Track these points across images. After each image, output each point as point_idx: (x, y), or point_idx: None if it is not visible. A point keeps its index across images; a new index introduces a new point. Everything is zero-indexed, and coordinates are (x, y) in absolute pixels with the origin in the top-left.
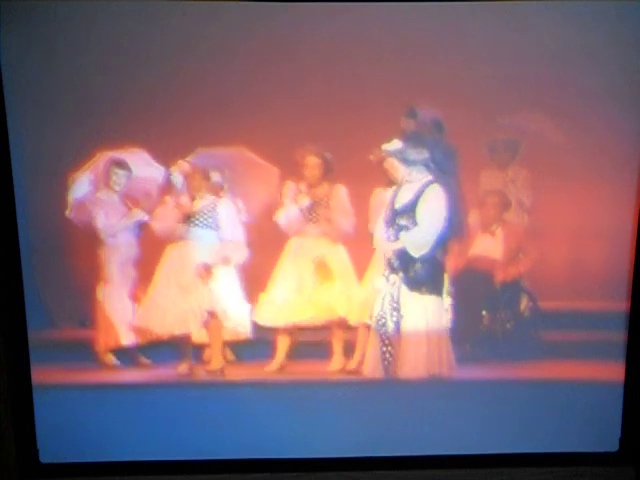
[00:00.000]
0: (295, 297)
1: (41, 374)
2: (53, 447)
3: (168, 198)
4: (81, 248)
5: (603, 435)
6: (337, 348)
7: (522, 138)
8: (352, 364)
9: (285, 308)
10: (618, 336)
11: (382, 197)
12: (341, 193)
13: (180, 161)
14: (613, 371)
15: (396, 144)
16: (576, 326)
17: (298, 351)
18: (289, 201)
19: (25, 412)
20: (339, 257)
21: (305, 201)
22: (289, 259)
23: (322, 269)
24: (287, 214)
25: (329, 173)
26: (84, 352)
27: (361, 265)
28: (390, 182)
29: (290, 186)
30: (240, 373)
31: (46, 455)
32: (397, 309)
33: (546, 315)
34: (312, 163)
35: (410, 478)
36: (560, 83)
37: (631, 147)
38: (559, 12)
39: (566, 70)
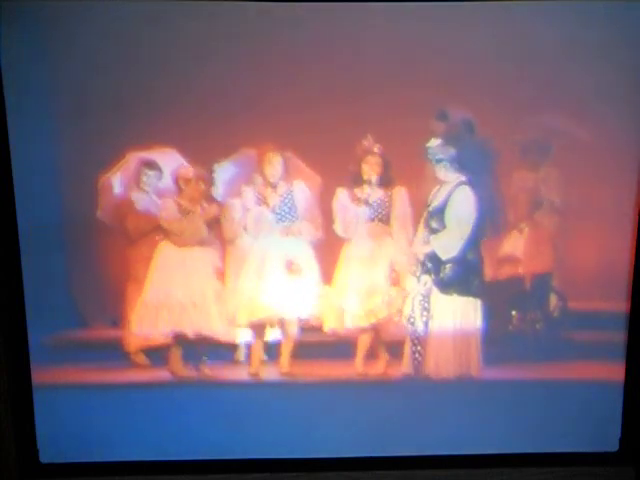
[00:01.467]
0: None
1: (44, 374)
2: (53, 447)
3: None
4: (112, 248)
5: (603, 435)
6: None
7: (553, 138)
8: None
9: (273, 308)
10: (618, 336)
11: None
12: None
13: (184, 165)
14: (613, 371)
15: (434, 143)
16: (576, 326)
17: (301, 351)
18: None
19: (25, 412)
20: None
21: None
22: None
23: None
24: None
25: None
26: (113, 352)
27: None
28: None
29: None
30: (241, 373)
31: (46, 455)
32: (427, 309)
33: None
34: (272, 160)
35: (410, 478)
36: (588, 83)
37: (631, 148)
38: (588, 13)
39: (594, 70)
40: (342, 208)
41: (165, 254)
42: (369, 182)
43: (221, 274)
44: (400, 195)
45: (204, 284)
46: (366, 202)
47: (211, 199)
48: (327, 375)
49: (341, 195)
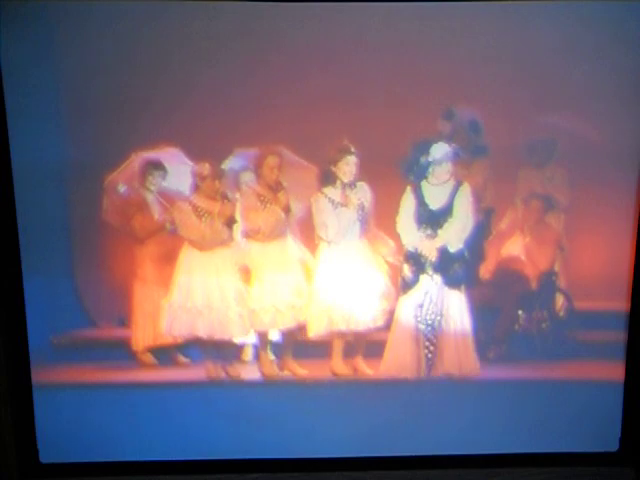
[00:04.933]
0: (293, 301)
1: (45, 374)
2: (53, 447)
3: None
4: (119, 248)
5: (603, 435)
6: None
7: (557, 138)
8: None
9: (283, 311)
10: (618, 336)
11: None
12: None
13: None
14: (613, 371)
15: (437, 142)
16: (578, 326)
17: (300, 351)
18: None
19: (25, 412)
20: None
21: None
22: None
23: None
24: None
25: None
26: (118, 351)
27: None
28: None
29: None
30: (241, 373)
31: (46, 455)
32: (435, 309)
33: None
34: (272, 163)
35: (410, 478)
36: (590, 83)
37: (632, 148)
38: (590, 13)
39: (596, 70)
40: (330, 212)
41: (188, 258)
42: (348, 184)
43: (246, 273)
44: (369, 195)
45: (227, 285)
46: (348, 204)
47: (226, 198)
48: (327, 375)
49: (324, 199)
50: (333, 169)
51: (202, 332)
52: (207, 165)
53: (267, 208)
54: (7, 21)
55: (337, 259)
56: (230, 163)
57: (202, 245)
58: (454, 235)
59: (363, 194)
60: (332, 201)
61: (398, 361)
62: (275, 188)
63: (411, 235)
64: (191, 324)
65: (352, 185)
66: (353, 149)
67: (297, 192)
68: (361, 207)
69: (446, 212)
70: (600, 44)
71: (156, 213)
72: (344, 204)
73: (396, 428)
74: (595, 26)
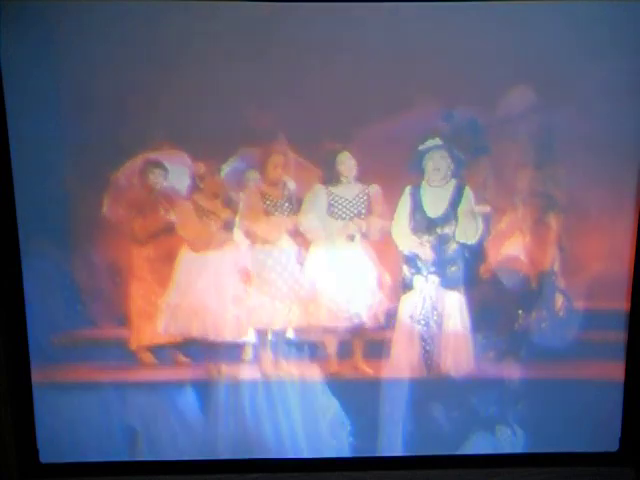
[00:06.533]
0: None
1: (45, 374)
2: (53, 447)
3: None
4: (119, 248)
5: (603, 435)
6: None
7: (556, 137)
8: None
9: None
10: (618, 336)
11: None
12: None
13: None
14: (613, 371)
15: (437, 142)
16: (577, 326)
17: (300, 351)
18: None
19: (25, 412)
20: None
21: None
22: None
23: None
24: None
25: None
26: (118, 351)
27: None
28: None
29: None
30: (241, 373)
31: (46, 455)
32: (433, 310)
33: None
34: (276, 161)
35: (410, 478)
36: (589, 83)
37: (632, 147)
38: (589, 12)
39: (596, 70)
40: (321, 210)
41: (186, 257)
42: (346, 181)
43: (246, 273)
44: (376, 193)
45: (225, 286)
46: (344, 200)
47: (227, 198)
48: (326, 374)
49: (320, 192)
50: (336, 168)
51: (196, 333)
52: (205, 165)
53: (270, 208)
54: (7, 21)
55: (333, 257)
56: (233, 163)
57: (200, 245)
58: (455, 240)
59: (366, 196)
60: (329, 200)
61: (400, 361)
62: (279, 186)
63: (407, 241)
64: (186, 324)
65: (354, 184)
66: (345, 149)
67: (299, 194)
68: (356, 206)
69: (445, 218)
70: (600, 44)
71: (157, 213)
72: (340, 209)
73: (396, 428)
74: (595, 26)
